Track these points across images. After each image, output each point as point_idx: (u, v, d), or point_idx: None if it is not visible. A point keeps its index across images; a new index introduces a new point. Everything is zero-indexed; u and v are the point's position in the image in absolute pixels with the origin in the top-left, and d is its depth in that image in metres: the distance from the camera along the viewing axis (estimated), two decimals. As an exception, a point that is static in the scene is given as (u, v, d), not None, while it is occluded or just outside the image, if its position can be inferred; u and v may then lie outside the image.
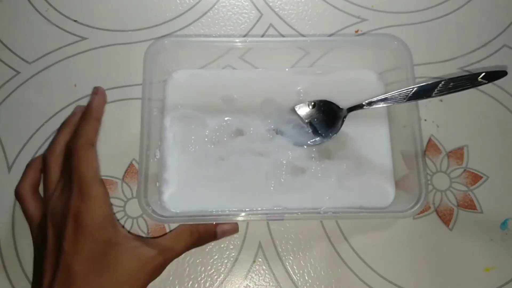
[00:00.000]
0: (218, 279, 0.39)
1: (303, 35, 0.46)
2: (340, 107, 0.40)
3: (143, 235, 0.40)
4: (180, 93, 0.42)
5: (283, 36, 0.46)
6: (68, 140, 0.39)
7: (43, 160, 0.39)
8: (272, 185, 0.39)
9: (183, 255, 0.39)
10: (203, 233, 0.38)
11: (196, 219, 0.36)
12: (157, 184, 0.39)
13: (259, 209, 0.38)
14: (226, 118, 0.41)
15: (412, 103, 0.38)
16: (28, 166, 0.40)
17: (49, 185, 0.38)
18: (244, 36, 0.46)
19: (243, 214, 0.36)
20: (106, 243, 0.34)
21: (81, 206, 0.34)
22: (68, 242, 0.33)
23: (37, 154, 0.42)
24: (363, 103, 0.39)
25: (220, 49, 0.42)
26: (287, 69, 0.43)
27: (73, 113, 0.42)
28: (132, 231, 0.40)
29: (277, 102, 0.42)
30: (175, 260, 0.39)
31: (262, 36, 0.46)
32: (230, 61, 0.43)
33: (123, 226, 0.40)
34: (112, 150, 0.41)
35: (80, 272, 0.33)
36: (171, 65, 0.42)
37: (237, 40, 0.40)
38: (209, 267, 0.39)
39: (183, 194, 0.39)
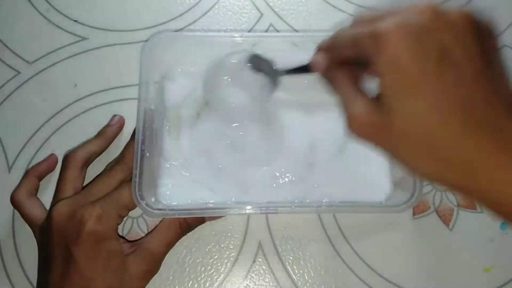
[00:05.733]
0: (218, 279, 0.39)
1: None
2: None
3: (143, 235, 0.40)
4: (178, 89, 0.42)
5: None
6: (93, 151, 0.40)
7: (64, 160, 0.39)
8: (268, 179, 0.39)
9: (183, 255, 0.39)
10: (191, 220, 0.38)
11: (189, 213, 0.36)
12: (154, 179, 0.38)
13: (254, 202, 0.38)
14: (224, 114, 0.41)
15: None
16: (25, 173, 0.40)
17: (62, 186, 0.38)
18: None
19: (237, 207, 0.36)
20: (111, 251, 0.35)
21: (93, 213, 0.34)
22: (79, 250, 0.33)
23: (37, 154, 0.42)
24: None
25: (219, 44, 0.41)
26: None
27: (109, 125, 0.42)
28: (132, 231, 0.40)
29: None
30: (175, 260, 0.39)
31: (262, 36, 0.46)
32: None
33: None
34: (112, 150, 0.42)
35: (91, 280, 0.34)
36: (169, 60, 0.41)
37: (236, 35, 0.40)
38: (209, 267, 0.39)
39: (178, 188, 0.39)
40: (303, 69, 0.32)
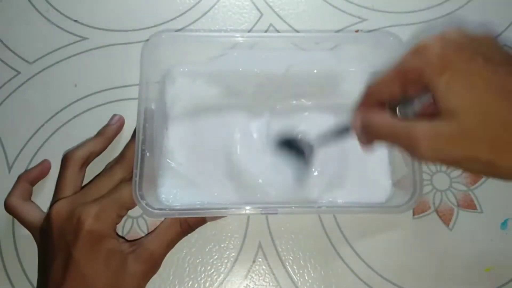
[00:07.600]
0: (218, 279, 0.39)
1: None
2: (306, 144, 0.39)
3: (143, 235, 0.40)
4: (178, 88, 0.42)
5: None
6: (93, 150, 0.40)
7: (63, 159, 0.39)
8: (269, 180, 0.39)
9: (183, 255, 0.39)
10: (192, 220, 0.38)
11: (189, 213, 0.36)
12: (154, 178, 0.38)
13: (254, 202, 0.38)
14: (226, 114, 0.41)
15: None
16: (17, 179, 0.40)
17: (61, 185, 0.38)
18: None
19: (237, 207, 0.36)
20: (110, 250, 0.35)
21: (91, 212, 0.34)
22: (78, 249, 0.34)
23: (38, 154, 0.42)
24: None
25: (219, 44, 0.41)
26: (286, 68, 0.43)
27: (109, 125, 0.42)
28: (132, 231, 0.40)
29: (276, 99, 0.42)
30: (175, 260, 0.39)
31: (262, 36, 0.46)
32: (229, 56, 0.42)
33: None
34: (112, 150, 0.42)
35: (90, 279, 0.33)
36: (169, 60, 0.41)
37: (236, 35, 0.40)
38: (209, 267, 0.39)
39: (178, 188, 0.39)
40: (340, 133, 0.34)
